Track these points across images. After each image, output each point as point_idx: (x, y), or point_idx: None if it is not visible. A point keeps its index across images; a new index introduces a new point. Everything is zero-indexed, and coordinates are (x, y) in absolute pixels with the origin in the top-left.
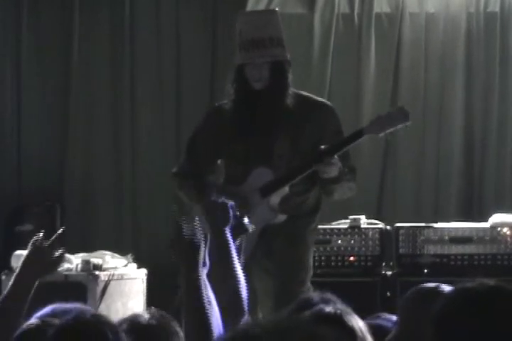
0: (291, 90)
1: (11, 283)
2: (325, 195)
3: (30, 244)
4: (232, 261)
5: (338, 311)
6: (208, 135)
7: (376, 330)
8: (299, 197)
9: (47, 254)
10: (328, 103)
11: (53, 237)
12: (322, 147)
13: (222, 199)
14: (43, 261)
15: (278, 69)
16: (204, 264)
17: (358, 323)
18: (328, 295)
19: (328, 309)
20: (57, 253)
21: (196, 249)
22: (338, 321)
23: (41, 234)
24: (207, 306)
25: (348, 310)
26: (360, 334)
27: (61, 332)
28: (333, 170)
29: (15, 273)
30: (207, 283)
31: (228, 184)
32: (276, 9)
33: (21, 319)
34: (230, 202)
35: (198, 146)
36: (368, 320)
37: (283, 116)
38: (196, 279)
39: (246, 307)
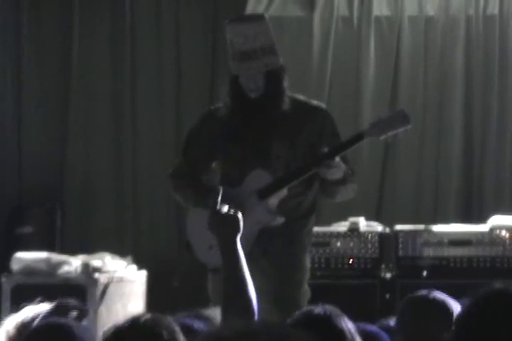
0: (288, 95)
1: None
2: (327, 196)
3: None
4: (243, 275)
5: (328, 313)
6: (203, 137)
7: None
8: (296, 199)
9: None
10: (324, 106)
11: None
12: (323, 150)
13: (231, 210)
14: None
15: (272, 78)
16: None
17: (347, 325)
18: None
19: (317, 311)
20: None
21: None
22: (326, 323)
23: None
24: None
25: (338, 311)
26: (349, 336)
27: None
28: (337, 172)
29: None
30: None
31: (225, 185)
32: (264, 14)
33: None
34: (239, 212)
35: (192, 147)
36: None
37: (280, 121)
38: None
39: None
